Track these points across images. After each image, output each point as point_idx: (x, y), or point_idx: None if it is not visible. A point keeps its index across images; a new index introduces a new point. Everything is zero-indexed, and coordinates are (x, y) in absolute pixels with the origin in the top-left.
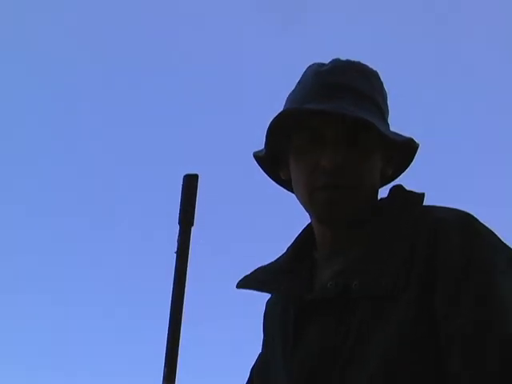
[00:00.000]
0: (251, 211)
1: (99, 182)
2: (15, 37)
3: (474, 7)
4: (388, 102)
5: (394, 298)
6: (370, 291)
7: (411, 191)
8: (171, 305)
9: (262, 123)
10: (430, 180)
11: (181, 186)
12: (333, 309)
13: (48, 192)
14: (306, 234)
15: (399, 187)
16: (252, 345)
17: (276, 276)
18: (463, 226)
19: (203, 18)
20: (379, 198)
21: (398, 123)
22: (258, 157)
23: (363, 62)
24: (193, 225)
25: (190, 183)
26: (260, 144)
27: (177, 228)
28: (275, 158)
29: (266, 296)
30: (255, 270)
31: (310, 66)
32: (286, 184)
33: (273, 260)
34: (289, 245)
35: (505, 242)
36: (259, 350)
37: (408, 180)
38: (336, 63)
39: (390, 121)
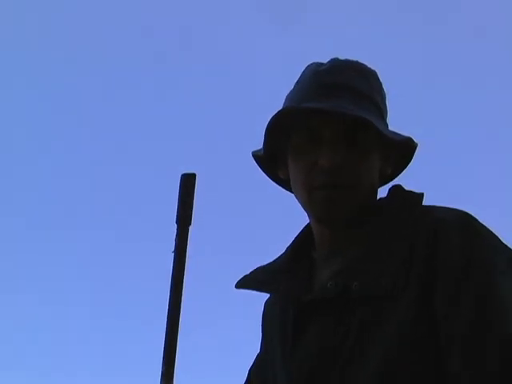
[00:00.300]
0: (249, 210)
1: (96, 180)
2: (15, 37)
3: (474, 7)
4: (387, 102)
5: (394, 298)
6: (370, 291)
7: (410, 191)
8: (169, 303)
9: (261, 123)
10: (430, 180)
11: (178, 185)
12: (332, 309)
13: (46, 191)
14: (305, 234)
15: (398, 187)
16: (251, 344)
17: (275, 276)
18: (463, 226)
19: (203, 17)
20: (378, 197)
21: (398, 123)
22: (256, 156)
23: (363, 61)
24: (190, 224)
25: (188, 182)
26: (259, 143)
27: (174, 227)
28: (274, 158)
29: (266, 296)
30: (254, 270)
31: (308, 66)
32: (285, 183)
33: (272, 260)
34: (288, 245)
35: (505, 242)
36: (258, 350)
37: (407, 180)
38: (334, 63)
39: (388, 120)
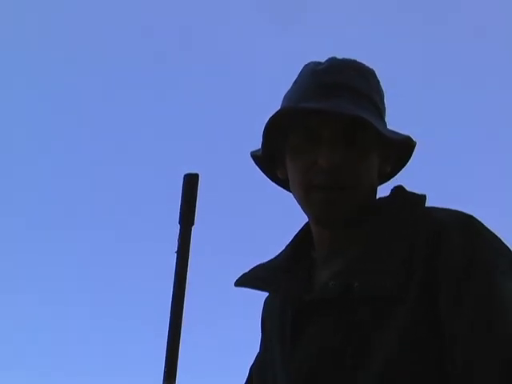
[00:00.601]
0: (252, 210)
1: (98, 181)
2: (15, 37)
3: (474, 7)
4: (385, 101)
5: (394, 298)
6: (371, 292)
7: (413, 192)
8: (172, 304)
9: (262, 122)
10: (430, 180)
11: (181, 186)
12: (332, 309)
13: (46, 191)
14: (305, 232)
15: (400, 188)
16: (252, 344)
17: (275, 274)
18: (464, 226)
19: (203, 17)
20: (378, 196)
21: (398, 123)
22: (255, 156)
23: (363, 61)
24: (193, 224)
25: (191, 182)
26: (260, 143)
27: (177, 227)
28: (272, 158)
29: (266, 295)
30: (253, 268)
31: (306, 65)
32: (284, 183)
33: (271, 258)
34: (287, 243)
35: (507, 244)
36: (259, 350)
37: (407, 180)
38: (333, 62)
39: (387, 120)
